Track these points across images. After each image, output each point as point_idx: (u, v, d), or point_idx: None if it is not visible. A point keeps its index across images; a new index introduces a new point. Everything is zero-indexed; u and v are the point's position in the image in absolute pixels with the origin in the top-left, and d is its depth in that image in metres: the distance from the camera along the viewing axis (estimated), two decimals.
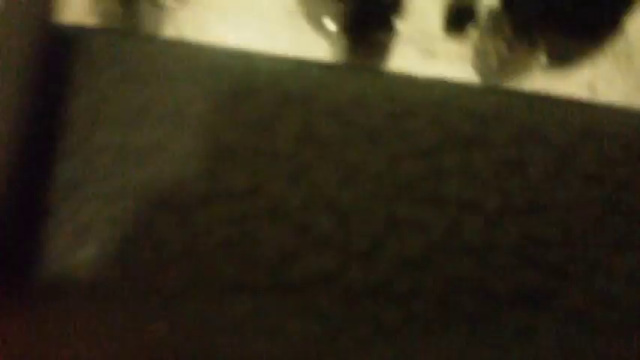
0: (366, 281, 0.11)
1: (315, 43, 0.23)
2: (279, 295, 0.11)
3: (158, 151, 0.12)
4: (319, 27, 0.24)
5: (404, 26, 0.24)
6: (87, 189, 0.11)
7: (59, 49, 0.11)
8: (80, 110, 0.11)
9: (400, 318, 0.11)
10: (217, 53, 0.15)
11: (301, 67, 0.14)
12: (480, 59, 0.24)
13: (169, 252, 0.11)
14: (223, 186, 0.12)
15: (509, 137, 0.14)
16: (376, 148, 0.13)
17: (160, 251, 0.11)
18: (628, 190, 0.13)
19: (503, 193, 0.13)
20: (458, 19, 0.24)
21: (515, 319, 0.12)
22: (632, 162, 0.14)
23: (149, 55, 0.14)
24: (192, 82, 0.14)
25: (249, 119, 0.13)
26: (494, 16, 0.25)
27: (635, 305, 0.12)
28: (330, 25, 0.24)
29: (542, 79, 0.24)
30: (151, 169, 0.12)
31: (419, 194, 0.13)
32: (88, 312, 0.11)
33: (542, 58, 0.24)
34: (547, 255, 0.12)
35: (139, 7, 0.21)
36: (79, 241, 0.11)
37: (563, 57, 0.24)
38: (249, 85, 0.14)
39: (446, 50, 0.24)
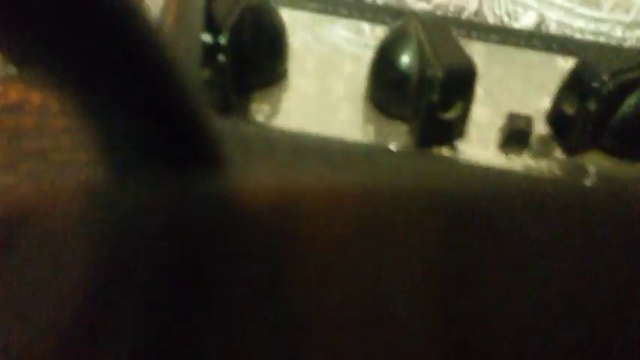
0: None
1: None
2: None
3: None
4: (386, 142, 0.27)
5: (464, 146, 0.26)
6: None
7: None
8: None
9: None
10: (316, 139, 0.18)
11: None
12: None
13: None
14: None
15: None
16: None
17: None
18: None
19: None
20: (512, 141, 0.26)
21: None
22: None
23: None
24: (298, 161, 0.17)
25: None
26: (546, 140, 0.27)
27: None
28: (394, 146, 0.27)
29: None
30: None
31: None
32: None
33: (591, 178, 0.25)
34: None
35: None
36: None
37: (611, 177, 0.25)
38: (347, 163, 0.16)
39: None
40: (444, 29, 0.25)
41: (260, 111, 0.28)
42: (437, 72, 0.23)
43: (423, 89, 0.24)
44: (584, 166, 0.26)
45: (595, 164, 0.25)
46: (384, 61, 0.26)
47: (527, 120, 0.26)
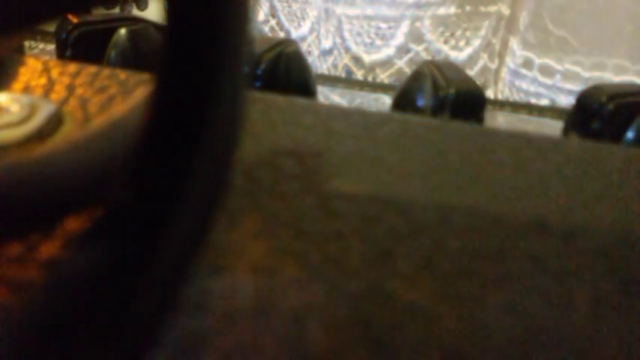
0: None
1: None
2: None
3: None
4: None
5: None
6: None
7: None
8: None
9: None
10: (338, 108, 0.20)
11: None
12: None
13: None
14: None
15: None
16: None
17: None
18: None
19: None
20: None
21: None
22: None
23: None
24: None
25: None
26: None
27: None
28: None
29: None
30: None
31: None
32: None
33: None
34: None
35: None
36: None
37: None
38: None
39: None
40: (455, 67, 0.28)
41: None
42: (448, 93, 0.26)
43: (435, 113, 0.26)
44: None
45: None
46: (402, 100, 0.29)
47: None
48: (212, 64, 0.10)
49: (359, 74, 0.44)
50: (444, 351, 0.12)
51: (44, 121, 0.18)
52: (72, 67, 0.24)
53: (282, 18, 0.50)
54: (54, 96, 0.21)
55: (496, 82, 0.44)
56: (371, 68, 0.44)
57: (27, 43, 0.41)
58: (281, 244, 0.14)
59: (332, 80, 0.38)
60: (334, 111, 0.21)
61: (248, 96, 0.11)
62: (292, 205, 0.16)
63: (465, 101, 0.26)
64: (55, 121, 0.19)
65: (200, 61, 0.09)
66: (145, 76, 0.23)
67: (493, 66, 0.44)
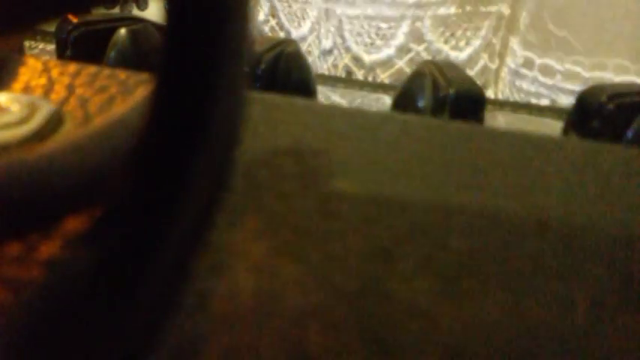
0: None
1: None
2: None
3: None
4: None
5: None
6: None
7: None
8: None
9: None
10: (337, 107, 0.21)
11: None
12: None
13: None
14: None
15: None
16: None
17: None
18: None
19: None
20: None
21: None
22: None
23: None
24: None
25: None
26: None
27: None
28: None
29: None
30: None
31: None
32: None
33: None
34: None
35: None
36: None
37: None
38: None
39: None
40: (455, 67, 0.28)
41: None
42: (448, 93, 0.26)
43: (435, 113, 0.26)
44: None
45: None
46: (402, 100, 0.29)
47: None
48: (212, 64, 0.10)
49: (359, 74, 0.44)
50: (444, 351, 0.12)
51: (44, 121, 0.18)
52: (72, 67, 0.24)
53: (282, 18, 0.50)
54: (54, 96, 0.21)
55: (496, 82, 0.44)
56: (371, 68, 0.44)
57: (27, 43, 0.41)
58: (281, 244, 0.14)
59: (332, 80, 0.38)
60: (334, 111, 0.21)
61: (248, 96, 0.11)
62: (292, 205, 0.16)
63: (465, 101, 0.26)
64: (55, 121, 0.19)
65: (200, 61, 0.10)
66: (145, 76, 0.23)
67: (493, 66, 0.44)
